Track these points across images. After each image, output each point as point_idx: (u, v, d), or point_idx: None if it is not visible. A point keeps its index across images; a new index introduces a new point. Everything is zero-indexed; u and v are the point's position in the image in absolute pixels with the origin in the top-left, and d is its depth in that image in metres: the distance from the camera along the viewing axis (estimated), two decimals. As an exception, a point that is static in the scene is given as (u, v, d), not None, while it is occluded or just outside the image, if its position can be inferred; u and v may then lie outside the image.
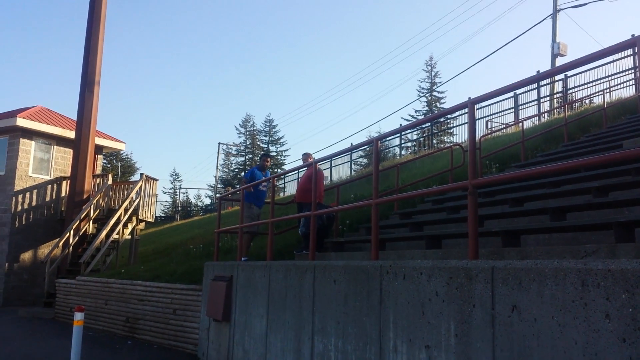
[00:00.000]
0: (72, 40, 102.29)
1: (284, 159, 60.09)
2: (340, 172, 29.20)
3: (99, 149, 18.95)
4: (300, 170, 21.37)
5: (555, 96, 20.83)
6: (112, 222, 15.73)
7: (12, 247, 16.60)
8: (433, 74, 50.36)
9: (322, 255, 8.27)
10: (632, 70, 17.43)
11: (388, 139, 26.63)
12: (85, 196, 16.71)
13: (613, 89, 17.54)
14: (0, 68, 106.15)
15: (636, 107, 13.42)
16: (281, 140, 61.84)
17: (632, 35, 16.45)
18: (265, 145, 61.29)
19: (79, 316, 7.50)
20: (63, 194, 17.96)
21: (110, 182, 17.75)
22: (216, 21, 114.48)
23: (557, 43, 23.11)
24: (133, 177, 56.49)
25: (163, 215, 59.20)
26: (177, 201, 69.82)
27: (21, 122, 16.77)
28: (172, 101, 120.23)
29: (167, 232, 28.23)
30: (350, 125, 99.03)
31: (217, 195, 40.36)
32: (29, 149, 17.32)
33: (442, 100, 49.32)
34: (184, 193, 71.89)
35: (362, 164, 31.44)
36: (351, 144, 29.60)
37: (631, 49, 16.59)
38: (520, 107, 21.11)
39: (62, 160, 18.21)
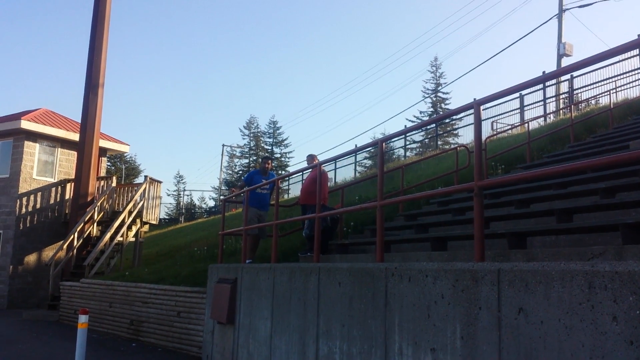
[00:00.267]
0: (76, 43, 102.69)
1: (288, 161, 60.15)
2: (345, 173, 29.17)
3: (103, 151, 18.98)
4: (304, 172, 21.36)
5: (561, 97, 20.76)
6: (116, 225, 15.74)
7: (16, 249, 16.64)
8: (438, 74, 50.38)
9: (327, 258, 8.24)
10: (639, 70, 17.34)
11: (393, 140, 26.60)
12: (89, 199, 16.74)
13: (619, 89, 17.46)
14: (5, 71, 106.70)
15: (642, 108, 13.34)
16: (285, 142, 61.88)
17: (639, 35, 16.38)
18: (270, 147, 61.33)
19: (83, 319, 7.50)
20: (67, 197, 18.00)
21: (114, 184, 17.78)
22: (220, 23, 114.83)
23: (563, 43, 23.04)
24: (137, 180, 56.60)
25: (167, 217, 59.35)
26: (181, 203, 70.02)
27: (25, 124, 16.82)
28: (176, 103, 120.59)
29: (171, 234, 28.26)
30: (355, 127, 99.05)
31: (221, 197, 40.40)
32: (33, 151, 17.36)
33: (447, 101, 49.31)
34: (188, 195, 72.13)
35: (367, 165, 31.40)
36: (355, 145, 29.60)
37: (637, 49, 16.51)
38: (526, 108, 21.03)
39: (66, 163, 18.25)
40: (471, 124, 21.46)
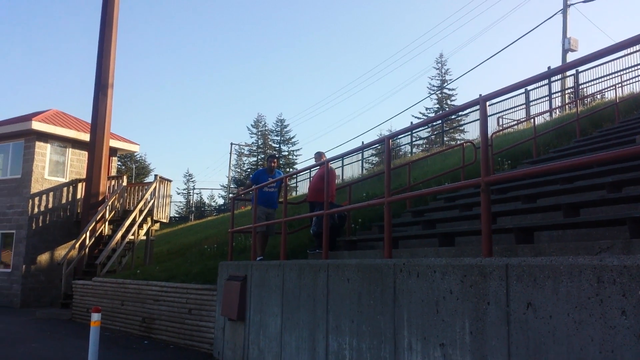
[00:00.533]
0: (85, 45, 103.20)
1: (296, 159, 60.22)
2: (352, 171, 29.19)
3: (113, 151, 19.13)
4: (312, 170, 21.43)
5: (566, 92, 20.67)
6: (127, 223, 15.87)
7: (29, 249, 16.82)
8: (443, 71, 50.22)
9: (335, 254, 8.30)
10: (645, 64, 17.24)
11: (399, 137, 26.57)
12: (100, 198, 16.88)
13: (625, 83, 17.37)
14: (16, 72, 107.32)
15: (650, 101, 13.29)
16: (293, 140, 61.94)
17: (645, 29, 16.24)
18: (277, 145, 61.39)
19: (95, 317, 7.59)
20: (79, 196, 18.16)
21: (125, 183, 17.91)
22: (227, 22, 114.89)
23: (568, 38, 22.91)
24: (147, 179, 56.92)
25: (177, 215, 59.56)
26: (191, 201, 70.26)
27: (36, 125, 16.98)
28: (184, 102, 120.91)
29: (182, 232, 28.40)
30: (361, 124, 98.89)
31: (230, 195, 40.53)
32: (44, 152, 17.52)
33: (452, 98, 49.15)
34: (197, 193, 72.48)
35: (374, 162, 31.41)
36: (362, 142, 29.61)
37: (644, 43, 16.38)
38: (531, 103, 20.96)
39: (77, 163, 18.40)
40: (477, 119, 21.41)
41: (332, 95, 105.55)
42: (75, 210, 18.15)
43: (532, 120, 14.45)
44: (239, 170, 63.48)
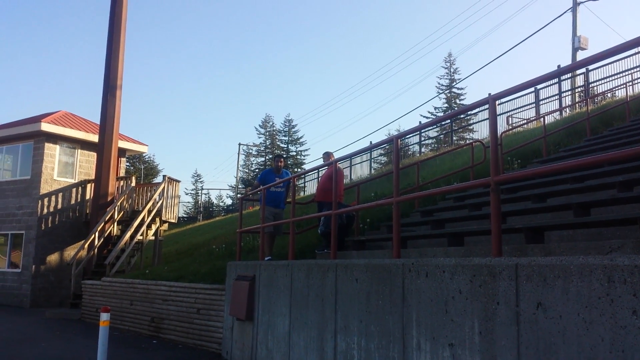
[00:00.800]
0: (93, 47, 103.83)
1: (304, 159, 60.29)
2: (360, 171, 29.16)
3: (122, 152, 19.22)
4: (320, 170, 21.41)
5: (576, 90, 20.54)
6: (136, 224, 15.94)
7: (38, 249, 16.93)
8: (452, 70, 50.10)
9: (343, 254, 8.28)
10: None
11: (408, 136, 26.51)
12: (109, 198, 16.97)
13: (636, 81, 17.23)
14: (24, 74, 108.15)
15: (661, 100, 13.17)
16: (301, 140, 62.01)
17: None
18: (285, 145, 61.46)
19: (104, 317, 7.62)
20: (88, 197, 18.26)
21: (133, 184, 17.99)
22: (235, 22, 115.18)
23: (578, 37, 22.76)
24: (156, 179, 57.15)
25: (186, 216, 59.78)
26: (199, 202, 70.51)
27: (46, 127, 17.09)
28: (192, 103, 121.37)
29: (190, 232, 28.48)
30: (370, 124, 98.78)
31: (238, 195, 40.61)
32: (53, 153, 17.63)
33: (461, 97, 49.01)
34: (205, 194, 72.66)
35: (382, 162, 31.36)
36: (370, 142, 29.57)
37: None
38: (541, 102, 20.84)
39: (86, 164, 18.51)
40: (486, 119, 21.33)
41: (340, 95, 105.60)
42: (84, 211, 18.26)
43: (542, 119, 14.37)
44: (247, 170, 63.67)
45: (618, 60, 18.22)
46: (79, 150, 18.40)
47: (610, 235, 5.14)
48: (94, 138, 17.95)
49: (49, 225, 17.32)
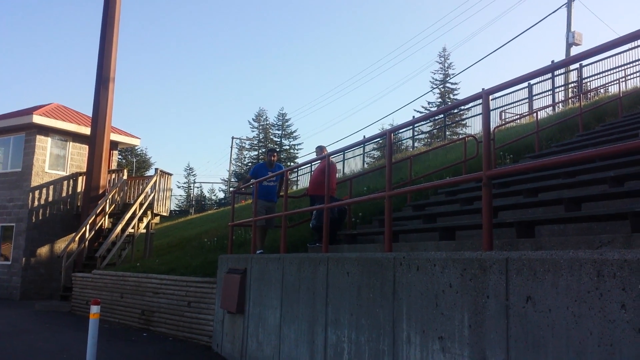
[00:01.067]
0: (86, 38, 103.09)
1: (297, 153, 60.17)
2: (353, 165, 29.16)
3: (114, 145, 19.11)
4: (313, 164, 21.37)
5: (570, 86, 20.59)
6: (127, 217, 15.87)
7: (29, 242, 16.84)
8: (446, 65, 50.08)
9: (335, 248, 8.28)
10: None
11: (401, 131, 26.52)
12: (100, 191, 16.88)
13: (629, 77, 17.30)
14: (16, 66, 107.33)
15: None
16: (294, 134, 61.86)
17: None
18: (279, 139, 61.34)
19: (95, 309, 7.58)
20: (79, 190, 18.16)
21: (125, 177, 17.90)
22: (229, 16, 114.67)
23: (572, 32, 22.78)
24: (148, 172, 56.88)
25: (178, 209, 59.61)
26: (192, 195, 70.34)
27: (37, 119, 16.96)
28: (185, 96, 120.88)
29: (182, 225, 28.41)
30: (363, 118, 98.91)
31: (231, 189, 40.53)
32: (45, 145, 17.51)
33: (455, 92, 49.04)
34: (198, 187, 72.46)
35: (375, 156, 31.37)
36: (364, 136, 29.55)
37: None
38: (534, 98, 20.90)
39: (77, 157, 18.40)
40: (479, 114, 21.36)
41: (334, 90, 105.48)
42: (75, 204, 18.16)
43: (535, 114, 14.40)
44: (240, 164, 63.52)
45: (611, 56, 18.28)
46: (71, 142, 18.28)
47: (600, 230, 5.16)
48: (86, 131, 17.83)
49: (40, 217, 17.22)
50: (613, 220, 4.98)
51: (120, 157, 48.29)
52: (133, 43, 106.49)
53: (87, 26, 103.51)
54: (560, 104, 19.23)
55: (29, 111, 17.52)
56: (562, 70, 20.30)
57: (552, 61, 17.54)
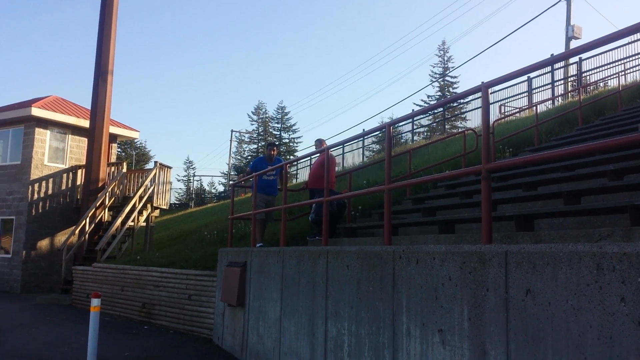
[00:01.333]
0: (85, 31, 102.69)
1: (297, 146, 60.06)
2: (353, 158, 29.15)
3: (113, 138, 19.09)
4: (312, 157, 21.36)
5: (569, 79, 20.57)
6: (127, 210, 15.88)
7: (29, 235, 16.85)
8: (446, 58, 49.91)
9: (335, 241, 8.30)
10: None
11: (400, 124, 26.52)
12: (100, 184, 16.88)
13: (628, 71, 17.28)
14: (15, 59, 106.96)
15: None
16: (293, 127, 61.68)
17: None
18: (278, 133, 61.24)
19: (95, 302, 7.60)
20: (78, 183, 18.16)
21: (124, 170, 17.90)
22: (228, 8, 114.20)
23: (572, 26, 22.71)
24: (147, 165, 56.87)
25: (177, 202, 59.60)
26: (191, 188, 70.30)
27: (36, 111, 16.93)
28: (185, 90, 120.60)
29: (182, 219, 28.43)
30: (363, 111, 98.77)
31: (231, 182, 40.55)
32: (44, 138, 17.49)
33: (454, 85, 48.91)
34: (197, 180, 72.37)
35: (375, 150, 31.35)
36: (363, 130, 29.53)
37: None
38: (534, 91, 20.88)
39: (77, 149, 18.38)
40: (479, 107, 21.35)
41: (334, 83, 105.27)
42: (75, 197, 18.16)
43: (535, 108, 14.39)
44: (239, 157, 63.44)
45: (611, 49, 18.24)
46: (70, 135, 18.26)
47: (600, 224, 5.17)
48: (85, 123, 17.80)
49: (40, 210, 17.23)
50: (612, 214, 4.99)
51: (119, 150, 48.23)
52: (132, 36, 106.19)
53: (85, 19, 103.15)
54: (559, 98, 19.22)
55: (28, 104, 17.49)
56: (562, 64, 20.27)
57: (552, 54, 17.51)
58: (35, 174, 17.16)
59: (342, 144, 9.18)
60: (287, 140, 60.22)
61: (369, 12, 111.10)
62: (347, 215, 9.77)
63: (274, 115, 62.58)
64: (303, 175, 31.87)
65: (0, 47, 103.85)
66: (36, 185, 17.18)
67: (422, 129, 28.50)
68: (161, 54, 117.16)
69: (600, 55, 18.88)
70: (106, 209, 16.71)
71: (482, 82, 4.29)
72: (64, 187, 17.96)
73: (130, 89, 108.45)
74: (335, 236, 9.00)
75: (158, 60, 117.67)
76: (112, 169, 18.25)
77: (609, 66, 18.51)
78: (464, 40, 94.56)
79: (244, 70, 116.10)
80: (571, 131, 12.00)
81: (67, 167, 18.09)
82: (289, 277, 6.64)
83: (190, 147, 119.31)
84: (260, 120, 63.84)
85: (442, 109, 26.77)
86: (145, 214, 16.92)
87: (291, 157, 51.69)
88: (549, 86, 20.58)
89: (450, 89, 48.50)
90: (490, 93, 5.39)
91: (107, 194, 16.63)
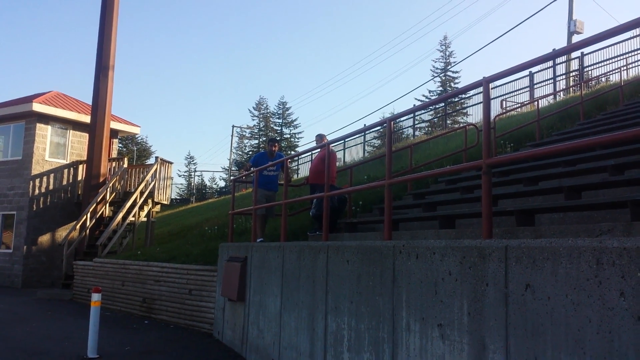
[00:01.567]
0: (86, 26, 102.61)
1: (298, 141, 60.06)
2: (354, 153, 29.13)
3: (114, 133, 19.09)
4: (313, 152, 21.35)
5: (571, 74, 20.51)
6: (128, 205, 15.90)
7: (30, 230, 16.88)
8: (447, 53, 49.82)
9: (335, 236, 8.30)
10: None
11: (401, 119, 26.48)
12: (101, 179, 16.89)
13: (630, 66, 17.23)
14: (16, 54, 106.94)
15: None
16: (294, 123, 61.72)
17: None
18: (279, 128, 61.22)
19: (96, 297, 7.63)
20: (79, 178, 18.18)
21: (125, 165, 17.91)
22: (229, 3, 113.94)
23: (574, 20, 22.63)
24: (148, 161, 56.85)
25: (178, 197, 59.67)
26: (192, 184, 70.30)
27: (37, 107, 16.93)
28: (186, 85, 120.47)
29: (183, 214, 28.47)
30: (364, 107, 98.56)
31: (231, 177, 40.57)
32: (45, 133, 17.49)
33: (456, 80, 48.85)
34: (198, 176, 72.34)
35: (376, 145, 31.33)
36: (364, 125, 29.49)
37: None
38: (535, 86, 20.83)
39: (78, 145, 18.39)
40: (480, 102, 21.30)
41: (335, 78, 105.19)
42: (76, 192, 18.18)
43: (536, 103, 14.35)
44: (240, 152, 63.42)
45: (613, 44, 18.19)
46: (71, 130, 18.27)
47: (600, 219, 5.16)
48: (86, 119, 17.80)
49: (41, 206, 17.25)
50: (613, 209, 4.97)
51: (120, 145, 48.24)
52: (133, 31, 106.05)
53: (86, 14, 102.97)
54: (561, 93, 19.17)
55: (29, 99, 17.49)
56: (563, 59, 20.21)
57: (553, 49, 17.46)
58: (36, 169, 17.17)
59: (343, 139, 9.18)
60: (288, 136, 60.23)
61: (370, 7, 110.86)
62: (348, 210, 9.77)
63: (275, 111, 62.62)
64: (304, 170, 31.87)
65: (1, 42, 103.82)
66: (37, 181, 17.20)
67: (423, 124, 28.47)
68: (162, 50, 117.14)
69: (602, 50, 18.83)
70: (107, 204, 16.72)
71: (484, 77, 4.27)
72: (65, 182, 17.98)
73: (132, 84, 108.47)
74: (336, 231, 9.00)
75: (159, 56, 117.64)
76: (113, 164, 18.26)
77: (611, 61, 18.45)
78: (465, 35, 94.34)
79: (245, 66, 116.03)
80: (573, 126, 11.97)
81: (68, 162, 18.10)
82: (289, 272, 6.65)
83: (192, 143, 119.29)
84: (261, 115, 63.84)
85: (443, 104, 26.72)
86: (146, 209, 16.94)
87: (292, 152, 51.68)
88: (551, 81, 20.53)
89: (452, 84, 48.43)
90: (492, 88, 5.36)
91: (108, 189, 16.64)
